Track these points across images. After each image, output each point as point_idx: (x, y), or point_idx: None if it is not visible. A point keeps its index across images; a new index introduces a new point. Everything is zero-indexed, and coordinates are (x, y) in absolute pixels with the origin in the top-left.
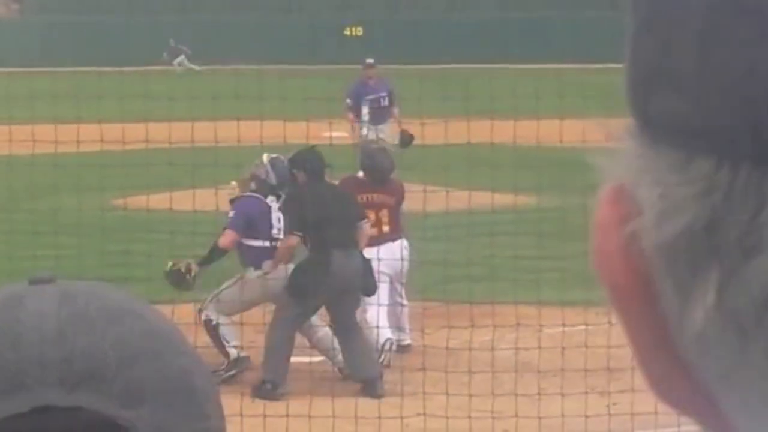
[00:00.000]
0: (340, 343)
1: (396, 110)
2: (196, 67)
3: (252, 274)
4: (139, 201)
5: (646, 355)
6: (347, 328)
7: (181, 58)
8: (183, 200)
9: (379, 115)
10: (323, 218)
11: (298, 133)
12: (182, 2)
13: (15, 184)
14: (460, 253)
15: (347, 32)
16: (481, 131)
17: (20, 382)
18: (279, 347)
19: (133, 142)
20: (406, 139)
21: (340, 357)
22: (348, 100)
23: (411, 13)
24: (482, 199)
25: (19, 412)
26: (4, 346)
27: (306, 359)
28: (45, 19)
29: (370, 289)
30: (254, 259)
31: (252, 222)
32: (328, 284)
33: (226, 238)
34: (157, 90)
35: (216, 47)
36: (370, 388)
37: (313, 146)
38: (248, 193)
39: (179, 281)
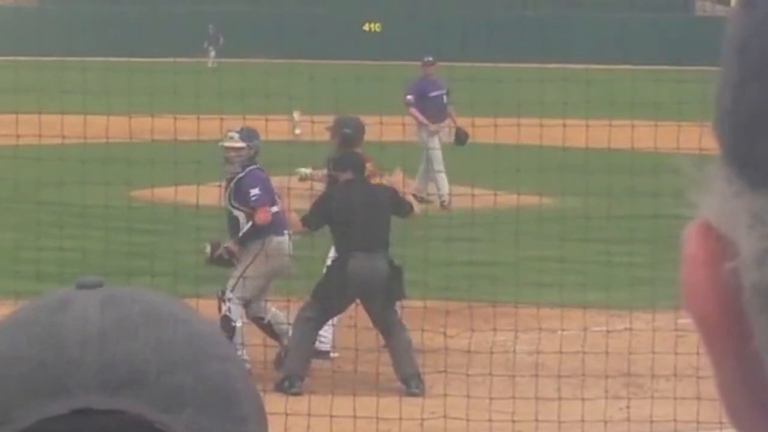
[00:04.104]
0: (385, 341)
1: (452, 108)
2: (210, 63)
3: (274, 240)
4: (144, 194)
5: (728, 388)
6: (386, 327)
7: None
8: (187, 194)
9: (440, 113)
10: (349, 221)
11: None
12: None
13: (21, 176)
14: (484, 254)
15: (366, 28)
16: (507, 133)
17: (62, 385)
18: (298, 346)
19: (139, 135)
20: (462, 137)
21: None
22: (409, 97)
23: (430, 10)
24: (507, 200)
25: (60, 414)
26: (47, 349)
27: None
28: (63, 8)
29: (395, 294)
30: (277, 226)
31: (270, 191)
32: (347, 288)
33: (263, 215)
34: (166, 83)
35: (231, 41)
36: (407, 385)
37: (353, 150)
38: (253, 166)
39: (224, 265)
